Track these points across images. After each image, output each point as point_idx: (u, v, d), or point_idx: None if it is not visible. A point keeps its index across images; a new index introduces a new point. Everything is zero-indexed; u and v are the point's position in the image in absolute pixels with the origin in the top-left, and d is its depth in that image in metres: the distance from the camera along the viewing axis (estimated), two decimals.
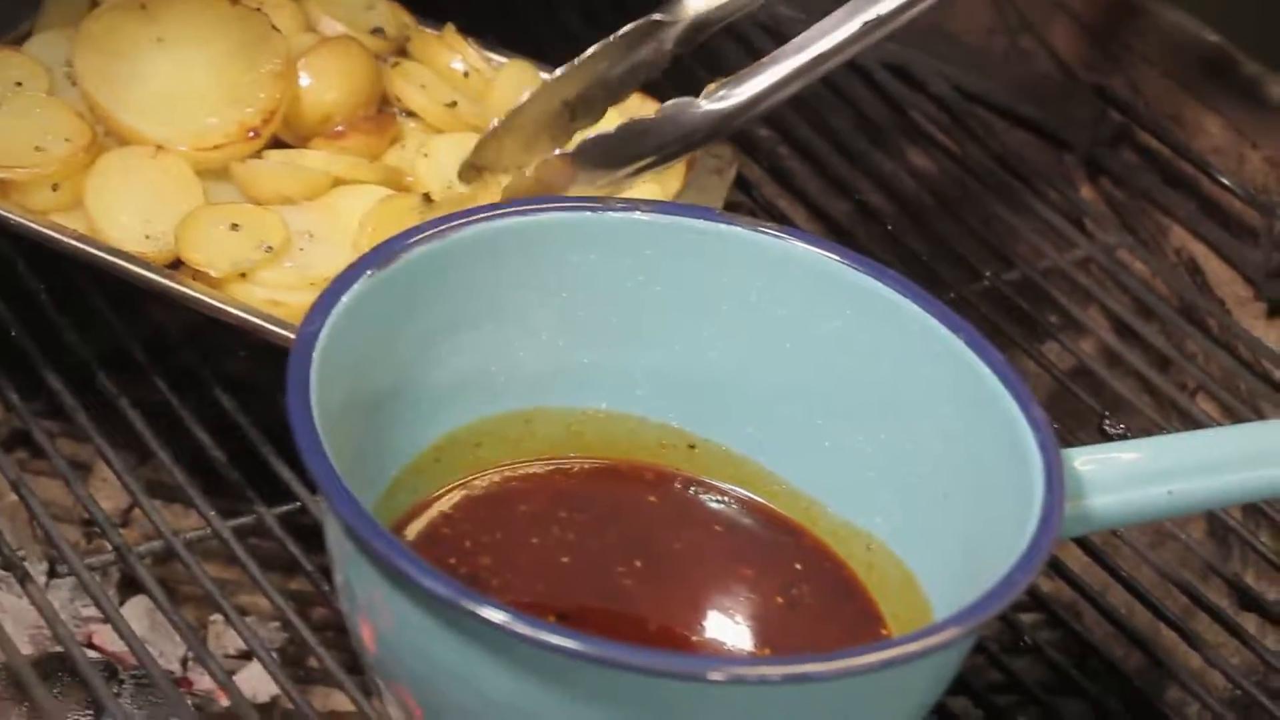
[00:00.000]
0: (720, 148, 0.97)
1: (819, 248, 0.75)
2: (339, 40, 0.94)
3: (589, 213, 0.75)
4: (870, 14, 0.78)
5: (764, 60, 0.79)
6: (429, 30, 0.99)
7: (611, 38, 0.83)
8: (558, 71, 0.85)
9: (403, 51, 0.98)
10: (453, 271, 0.73)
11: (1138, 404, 0.98)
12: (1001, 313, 1.01)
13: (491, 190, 0.88)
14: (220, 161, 0.89)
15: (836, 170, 1.09)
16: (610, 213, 0.75)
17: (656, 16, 0.83)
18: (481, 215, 0.74)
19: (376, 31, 0.97)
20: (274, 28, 0.92)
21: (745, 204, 1.05)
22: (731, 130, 0.79)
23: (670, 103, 0.79)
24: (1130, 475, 0.72)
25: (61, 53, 0.93)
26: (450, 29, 0.99)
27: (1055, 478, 0.67)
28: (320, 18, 0.97)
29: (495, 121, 0.88)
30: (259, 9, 0.94)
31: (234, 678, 0.81)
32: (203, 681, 0.87)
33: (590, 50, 0.83)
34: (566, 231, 0.75)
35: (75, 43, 0.91)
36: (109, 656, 0.87)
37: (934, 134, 1.13)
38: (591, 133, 0.80)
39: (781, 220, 1.03)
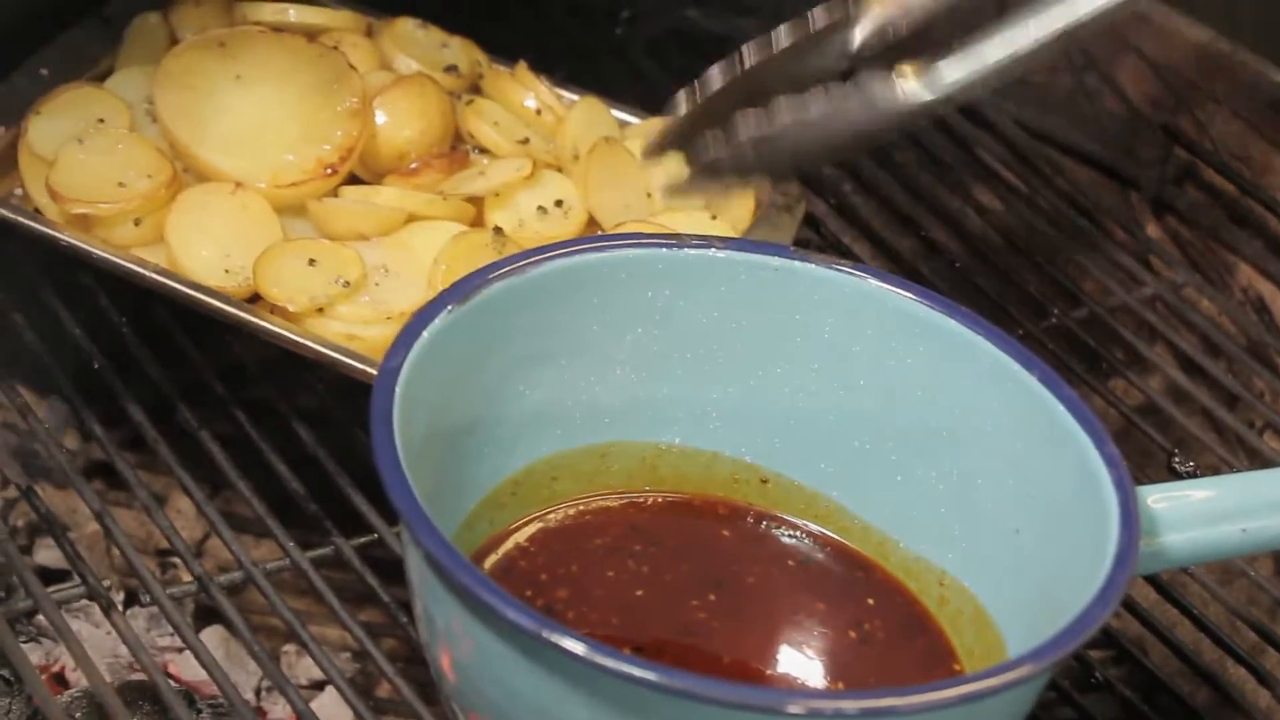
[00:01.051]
0: (788, 185, 0.98)
1: (892, 285, 0.76)
2: (414, 78, 0.96)
3: (665, 249, 0.76)
4: (1069, 17, 0.74)
5: (961, 49, 0.74)
6: (502, 68, 1.00)
7: (805, 26, 0.77)
8: (747, 58, 0.77)
9: (476, 89, 0.99)
10: (530, 307, 0.74)
11: (1205, 441, 0.98)
12: (1069, 350, 1.01)
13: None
14: (298, 198, 0.91)
15: (902, 207, 1.10)
16: (686, 249, 0.76)
17: (841, 13, 0.77)
18: (559, 251, 0.75)
19: (450, 69, 0.98)
20: (351, 66, 0.94)
21: (812, 240, 1.06)
22: (926, 119, 0.75)
23: (862, 80, 0.74)
24: (1203, 513, 0.72)
25: (142, 90, 0.94)
26: (522, 67, 1.00)
27: (1131, 515, 0.68)
28: (395, 55, 0.98)
29: (683, 103, 0.78)
30: (336, 47, 0.95)
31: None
32: (275, 710, 0.88)
33: (781, 41, 0.76)
34: (643, 267, 0.76)
35: (156, 80, 0.93)
36: (185, 685, 0.88)
37: (1000, 171, 1.13)
38: (789, 112, 0.75)
39: (847, 256, 1.03)
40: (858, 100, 0.74)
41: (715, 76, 0.77)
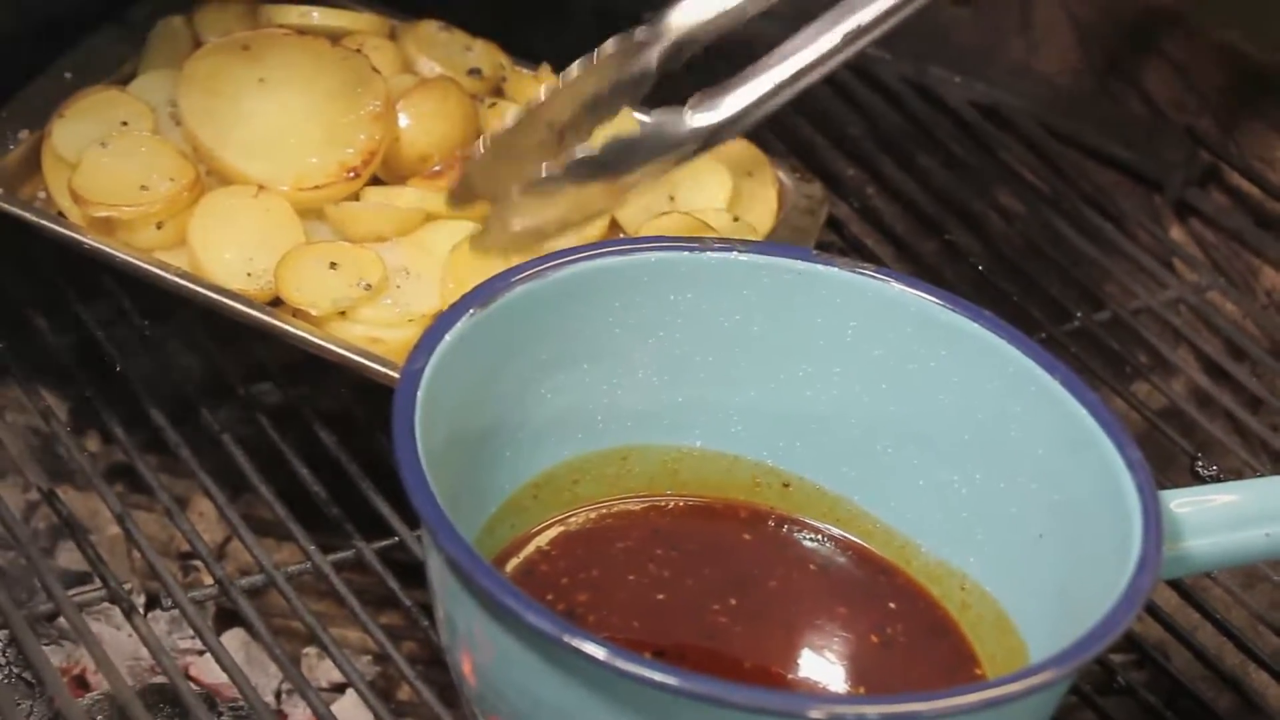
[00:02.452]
0: (811, 187, 0.98)
1: (915, 288, 0.76)
2: (437, 81, 0.96)
3: (687, 252, 0.76)
4: (851, 24, 0.77)
5: (747, 71, 0.78)
6: (524, 71, 1.00)
7: (594, 58, 0.81)
8: (540, 94, 0.81)
9: (499, 92, 0.99)
10: (552, 310, 0.74)
11: (1228, 445, 0.97)
12: (1092, 353, 1.01)
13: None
14: (321, 201, 0.91)
15: (925, 210, 1.10)
16: (708, 252, 0.76)
17: (638, 36, 0.81)
18: (580, 254, 0.75)
19: (473, 72, 0.98)
20: (374, 69, 0.94)
21: (834, 243, 1.05)
22: (718, 143, 0.78)
23: (654, 116, 0.78)
24: (1227, 518, 0.72)
25: (166, 92, 0.94)
26: (545, 69, 1.00)
27: (1154, 520, 0.67)
28: (418, 59, 0.98)
29: (481, 146, 0.83)
30: (359, 50, 0.95)
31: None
32: (296, 713, 0.88)
33: (574, 72, 0.80)
34: (664, 271, 0.76)
35: (179, 83, 0.93)
36: (206, 688, 0.88)
37: (1023, 174, 1.13)
38: (579, 153, 0.78)
39: (869, 258, 1.03)
40: (648, 133, 0.78)
41: (510, 114, 0.80)
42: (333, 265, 0.88)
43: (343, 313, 0.87)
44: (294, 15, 0.99)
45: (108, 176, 0.89)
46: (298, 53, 0.94)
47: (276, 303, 0.88)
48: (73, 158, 0.91)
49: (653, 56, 0.81)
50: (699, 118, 0.77)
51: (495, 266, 0.87)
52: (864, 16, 0.77)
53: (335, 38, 0.96)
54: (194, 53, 0.95)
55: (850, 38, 0.77)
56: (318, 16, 0.99)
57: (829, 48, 0.77)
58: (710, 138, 0.77)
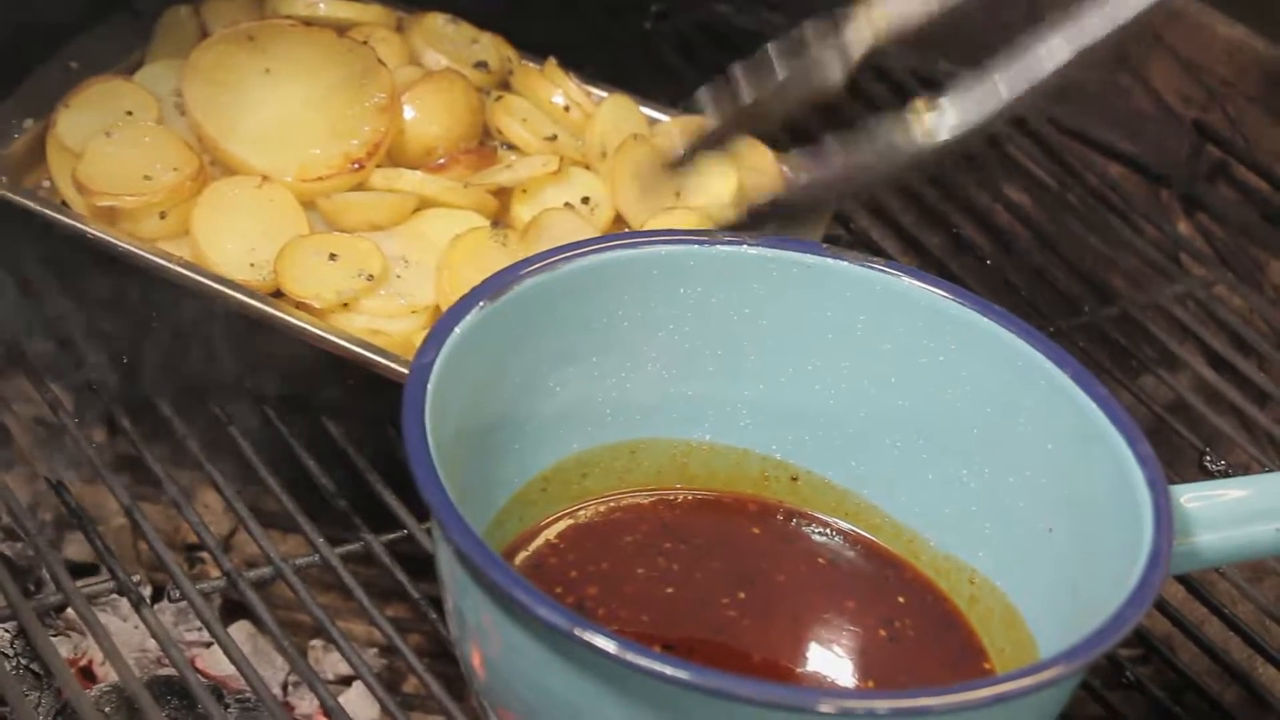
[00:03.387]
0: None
1: (924, 282, 0.76)
2: (443, 74, 0.95)
3: (697, 246, 0.76)
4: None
5: (986, 68, 0.69)
6: (531, 64, 1.00)
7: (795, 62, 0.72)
8: (746, 99, 0.74)
9: (505, 85, 0.99)
10: (562, 303, 0.74)
11: (1236, 439, 0.97)
12: (1099, 347, 1.01)
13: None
14: (324, 193, 0.91)
15: (932, 203, 1.10)
16: (718, 246, 0.76)
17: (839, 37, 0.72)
18: (591, 247, 0.75)
19: (480, 65, 0.98)
20: (380, 61, 0.93)
21: (842, 236, 1.05)
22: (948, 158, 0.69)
23: (882, 129, 0.69)
24: (1237, 513, 0.71)
25: (171, 82, 0.94)
26: (552, 63, 1.00)
27: (1165, 515, 0.67)
28: (425, 51, 0.98)
29: (707, 101, 0.74)
30: (365, 42, 0.95)
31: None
32: (303, 705, 0.88)
33: (777, 62, 0.72)
34: (674, 264, 0.76)
35: (184, 73, 0.93)
36: (213, 680, 0.88)
37: (1031, 168, 1.13)
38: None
39: (876, 252, 1.03)
40: (882, 145, 0.70)
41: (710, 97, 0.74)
42: (332, 256, 0.88)
43: (345, 304, 0.87)
44: (300, 6, 0.99)
45: (112, 166, 0.89)
46: (303, 44, 0.94)
47: (280, 293, 0.88)
48: (77, 147, 0.90)
49: (851, 41, 0.73)
50: (929, 129, 0.68)
51: (491, 255, 0.88)
52: (1121, 13, 0.67)
53: (341, 29, 0.96)
54: (200, 43, 0.94)
55: (1098, 42, 0.68)
56: (324, 7, 0.99)
57: (1072, 51, 0.68)
58: (942, 151, 0.69)
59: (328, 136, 0.91)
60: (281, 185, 0.90)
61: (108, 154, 0.90)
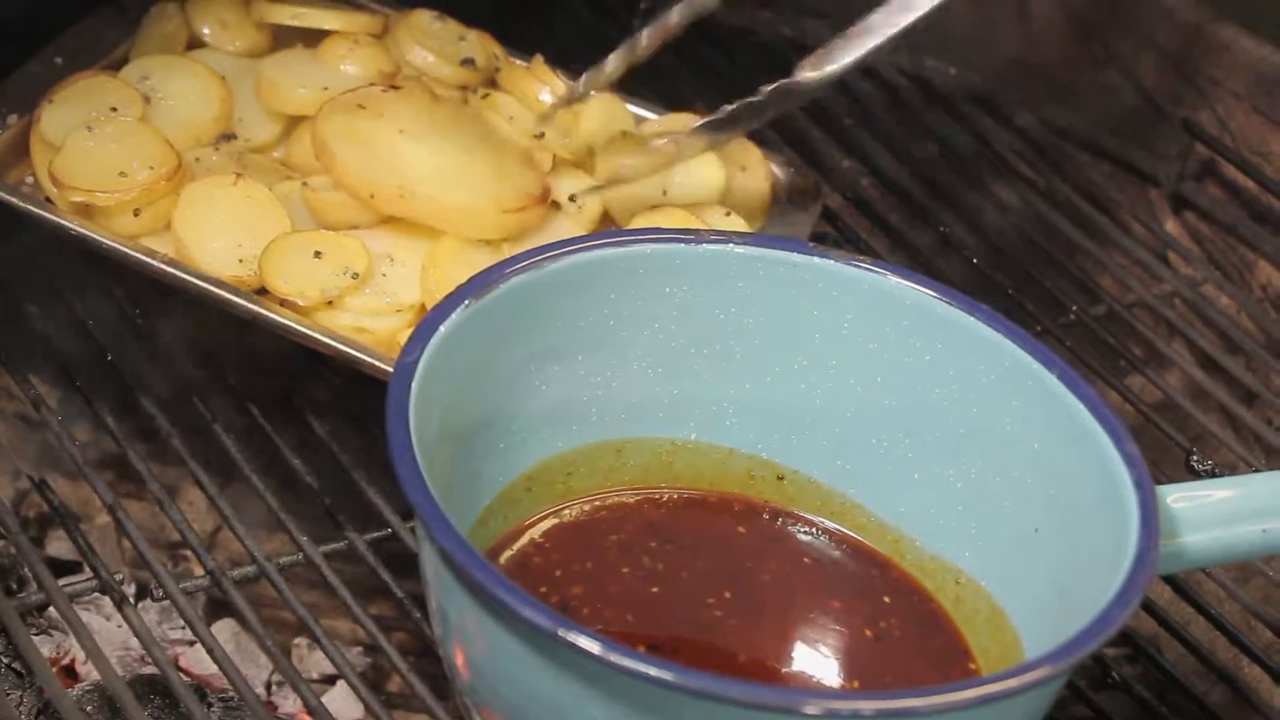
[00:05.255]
0: (805, 180, 0.98)
1: (911, 281, 0.76)
2: (409, 87, 0.94)
3: (683, 244, 0.76)
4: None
5: (849, 33, 0.84)
6: (518, 62, 1.00)
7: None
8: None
9: (492, 83, 0.98)
10: (548, 302, 0.74)
11: (1223, 439, 0.97)
12: (1087, 347, 1.01)
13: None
14: (527, 221, 0.90)
15: (920, 201, 1.10)
16: (704, 245, 0.76)
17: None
18: (576, 246, 0.75)
19: (466, 62, 0.98)
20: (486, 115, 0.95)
21: (829, 235, 1.05)
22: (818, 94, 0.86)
23: (774, 86, 0.85)
24: (1224, 513, 0.71)
25: (156, 77, 0.94)
26: (539, 61, 0.99)
27: (1151, 515, 0.67)
28: (411, 47, 0.98)
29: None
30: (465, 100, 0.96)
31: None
32: (286, 704, 0.88)
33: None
34: (661, 263, 0.76)
35: (325, 136, 0.90)
36: (196, 679, 0.88)
37: (1018, 166, 1.13)
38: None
39: (864, 251, 1.03)
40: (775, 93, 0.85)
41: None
42: (317, 254, 0.87)
43: (330, 302, 0.86)
44: (286, 15, 0.98)
45: (89, 161, 0.89)
46: (410, 108, 0.91)
47: (264, 291, 0.87)
48: (59, 143, 0.90)
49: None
50: (813, 74, 0.84)
51: (477, 254, 0.87)
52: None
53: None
54: (317, 114, 0.91)
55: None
56: (309, 17, 0.98)
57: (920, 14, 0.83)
58: (818, 89, 0.85)
59: (495, 179, 0.90)
60: (258, 182, 0.89)
61: (86, 149, 0.89)
